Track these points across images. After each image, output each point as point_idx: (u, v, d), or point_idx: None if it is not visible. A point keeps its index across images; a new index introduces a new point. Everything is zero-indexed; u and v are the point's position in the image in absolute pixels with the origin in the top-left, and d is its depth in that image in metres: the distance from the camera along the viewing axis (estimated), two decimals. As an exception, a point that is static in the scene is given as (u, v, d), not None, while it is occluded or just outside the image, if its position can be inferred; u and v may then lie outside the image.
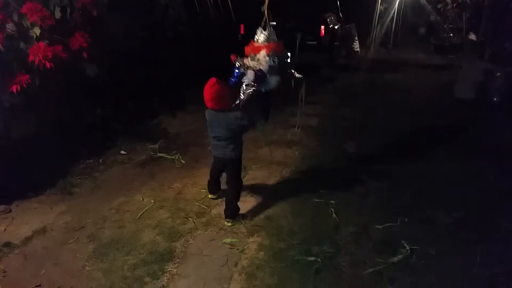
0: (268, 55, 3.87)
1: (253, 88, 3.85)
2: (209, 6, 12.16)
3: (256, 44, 4.01)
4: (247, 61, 3.92)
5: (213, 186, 4.36)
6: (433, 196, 4.43)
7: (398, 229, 3.85)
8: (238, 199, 4.03)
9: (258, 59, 3.89)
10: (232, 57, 3.93)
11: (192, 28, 10.46)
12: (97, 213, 4.09)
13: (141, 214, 4.08)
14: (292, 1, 10.44)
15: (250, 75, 3.83)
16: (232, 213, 3.96)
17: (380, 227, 3.88)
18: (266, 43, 3.96)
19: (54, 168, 4.84)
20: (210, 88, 3.56)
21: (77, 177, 4.83)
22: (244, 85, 3.88)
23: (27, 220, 3.96)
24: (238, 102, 3.85)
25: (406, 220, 3.96)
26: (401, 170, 4.99)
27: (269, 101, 4.11)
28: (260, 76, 3.81)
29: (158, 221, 3.97)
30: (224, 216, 3.97)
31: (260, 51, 3.91)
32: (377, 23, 13.67)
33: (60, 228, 3.85)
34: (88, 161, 5.22)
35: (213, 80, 3.59)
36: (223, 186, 4.32)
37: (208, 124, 3.84)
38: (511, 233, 3.80)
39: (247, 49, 3.99)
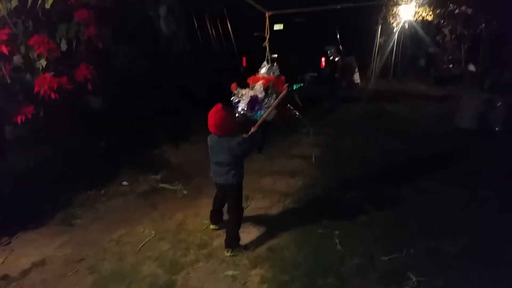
0: (264, 87, 4.00)
1: (247, 114, 3.96)
2: (212, 39, 12.47)
3: (257, 76, 4.18)
4: (245, 91, 4.05)
5: (216, 216, 4.31)
6: (438, 224, 4.36)
7: (404, 260, 3.76)
8: (238, 228, 3.96)
9: (255, 89, 4.02)
10: (232, 86, 4.07)
11: (196, 60, 10.65)
12: (98, 244, 4.04)
13: (141, 246, 4.03)
14: (292, 34, 10.68)
15: (243, 102, 3.96)
16: (232, 242, 3.90)
17: (386, 258, 3.79)
18: (266, 75, 4.13)
19: (55, 199, 4.84)
20: (215, 114, 3.57)
21: (78, 208, 4.80)
22: (238, 111, 3.99)
23: (26, 252, 3.91)
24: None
25: (411, 250, 3.88)
26: (404, 199, 4.95)
27: (264, 130, 4.05)
28: (252, 104, 3.92)
29: (159, 253, 3.91)
30: (224, 245, 3.92)
31: (257, 82, 4.06)
32: (377, 55, 13.91)
33: (59, 260, 3.79)
34: (89, 192, 5.20)
35: (219, 105, 3.61)
36: (226, 217, 4.24)
37: (209, 150, 3.83)
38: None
39: (248, 80, 4.15)
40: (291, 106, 4.34)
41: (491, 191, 5.06)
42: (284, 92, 3.95)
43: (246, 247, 3.96)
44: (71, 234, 4.25)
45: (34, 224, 4.37)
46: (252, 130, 3.77)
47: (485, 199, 4.90)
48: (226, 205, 4.16)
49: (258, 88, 4.01)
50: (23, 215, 4.39)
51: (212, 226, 4.34)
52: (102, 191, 5.25)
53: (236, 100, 4.05)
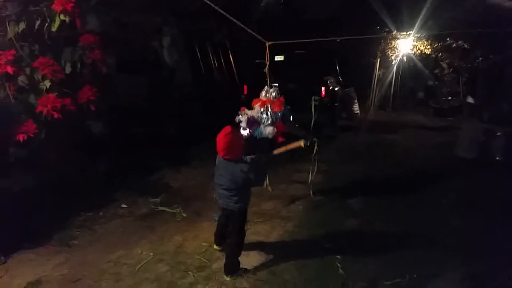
0: (261, 108, 4.43)
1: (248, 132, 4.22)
2: (214, 69, 12.69)
3: (258, 99, 4.60)
4: (249, 112, 4.36)
5: (220, 237, 4.24)
6: (441, 251, 4.29)
7: (407, 285, 3.70)
8: (239, 254, 3.87)
9: (254, 110, 4.44)
10: (242, 108, 4.35)
11: (198, 88, 10.81)
12: (95, 265, 3.96)
13: (139, 267, 3.95)
14: (293, 65, 10.87)
15: (244, 119, 4.18)
16: (232, 268, 3.82)
17: (389, 283, 3.72)
18: (264, 98, 4.56)
19: (53, 220, 4.80)
20: (224, 137, 3.54)
21: (76, 230, 4.74)
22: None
23: (22, 271, 3.83)
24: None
25: (415, 275, 3.81)
26: (406, 225, 4.91)
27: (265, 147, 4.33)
28: (251, 122, 4.21)
29: (156, 275, 3.83)
30: (224, 270, 3.83)
31: (257, 103, 4.54)
32: (376, 87, 14.11)
33: (56, 280, 3.71)
34: (88, 214, 5.15)
35: (228, 128, 3.58)
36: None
37: (215, 170, 3.81)
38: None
39: (253, 103, 4.57)
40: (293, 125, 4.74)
41: (494, 220, 5.03)
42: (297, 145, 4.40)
43: (246, 270, 3.88)
44: (68, 254, 4.18)
45: (31, 244, 4.31)
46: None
47: (487, 227, 4.85)
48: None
49: (256, 109, 4.38)
50: (20, 235, 4.33)
51: (216, 247, 4.30)
52: (101, 213, 5.20)
53: (239, 120, 4.23)
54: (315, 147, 5.12)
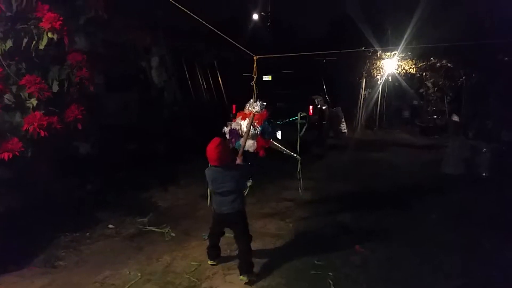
0: (242, 120, 4.64)
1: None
2: (202, 88, 12.75)
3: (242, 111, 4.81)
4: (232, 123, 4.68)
5: (213, 252, 4.27)
6: (431, 265, 4.28)
7: (400, 301, 3.66)
8: (251, 254, 3.99)
9: (237, 122, 4.72)
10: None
11: (187, 108, 10.82)
12: (81, 287, 3.84)
13: (127, 288, 3.84)
14: (280, 84, 10.99)
15: (226, 130, 4.59)
16: (248, 268, 3.92)
17: (381, 299, 3.68)
18: (247, 111, 4.70)
19: (38, 241, 4.67)
20: (215, 148, 3.78)
21: (61, 251, 4.61)
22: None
23: (4, 294, 3.70)
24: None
25: (406, 291, 3.78)
26: (396, 241, 4.91)
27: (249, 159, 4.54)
28: (232, 133, 4.56)
29: (145, 295, 3.73)
30: (239, 272, 3.91)
31: (239, 116, 4.76)
32: (362, 106, 14.32)
33: (39, 303, 3.59)
34: (74, 234, 5.03)
35: (217, 140, 3.85)
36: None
37: (211, 182, 3.95)
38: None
39: (237, 115, 4.79)
40: (276, 142, 4.85)
41: (481, 233, 5.06)
42: (251, 117, 4.45)
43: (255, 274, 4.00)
44: (53, 276, 4.04)
45: (15, 267, 4.15)
46: (238, 158, 4.18)
47: (476, 241, 4.88)
48: (221, 240, 4.29)
49: (238, 121, 4.59)
50: (4, 256, 4.18)
51: (210, 262, 4.26)
52: (87, 234, 5.08)
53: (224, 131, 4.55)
54: (299, 165, 5.20)
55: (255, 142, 4.63)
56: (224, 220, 4.03)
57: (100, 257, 4.54)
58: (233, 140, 4.59)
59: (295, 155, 5.01)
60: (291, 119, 5.29)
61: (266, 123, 4.66)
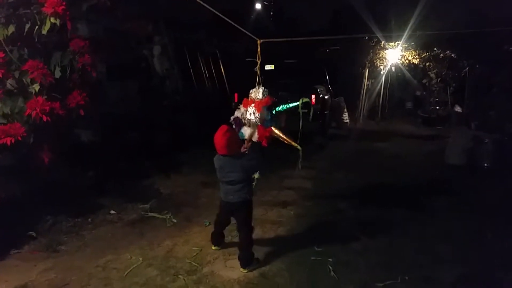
0: (246, 108, 4.47)
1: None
2: (204, 77, 12.72)
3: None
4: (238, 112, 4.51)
5: (218, 238, 4.32)
6: (432, 253, 4.31)
7: (399, 287, 3.68)
8: (252, 245, 4.00)
9: (240, 110, 4.56)
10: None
11: (188, 97, 10.81)
12: (83, 270, 3.87)
13: (128, 272, 3.87)
14: (283, 74, 10.95)
15: (232, 119, 4.46)
16: (248, 260, 3.94)
17: (381, 285, 3.70)
18: (252, 98, 4.51)
19: (40, 226, 4.71)
20: (223, 136, 3.72)
21: (64, 235, 4.65)
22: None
23: (7, 277, 3.72)
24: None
25: (406, 278, 3.80)
26: (397, 229, 4.93)
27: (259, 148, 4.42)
28: (236, 122, 4.43)
29: (146, 279, 3.76)
30: (240, 264, 3.93)
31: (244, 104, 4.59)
32: (365, 96, 14.26)
33: (42, 285, 3.61)
34: (76, 220, 5.06)
35: (224, 127, 3.79)
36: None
37: (219, 170, 3.91)
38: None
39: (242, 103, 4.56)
40: (280, 131, 4.63)
41: (482, 222, 5.09)
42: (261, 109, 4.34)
43: (258, 260, 4.03)
44: (55, 260, 4.08)
45: (17, 250, 4.21)
46: (243, 147, 3.99)
47: (476, 230, 4.91)
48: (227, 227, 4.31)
49: (241, 110, 4.45)
50: (6, 241, 4.23)
51: (214, 247, 4.32)
52: (89, 219, 5.11)
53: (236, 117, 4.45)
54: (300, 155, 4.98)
55: (255, 131, 4.47)
56: (230, 209, 4.02)
57: (102, 242, 4.57)
58: (238, 128, 4.47)
59: (295, 145, 4.86)
60: (291, 105, 5.19)
61: (266, 110, 4.46)
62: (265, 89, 4.50)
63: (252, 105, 4.45)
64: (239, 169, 3.80)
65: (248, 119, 4.46)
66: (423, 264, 4.08)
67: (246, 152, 3.95)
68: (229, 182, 3.85)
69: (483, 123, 9.37)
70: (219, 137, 3.72)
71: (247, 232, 3.97)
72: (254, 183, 4.40)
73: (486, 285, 3.80)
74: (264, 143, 4.55)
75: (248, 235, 3.97)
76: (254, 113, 4.42)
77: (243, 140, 4.33)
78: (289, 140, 4.73)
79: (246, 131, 4.45)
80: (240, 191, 3.85)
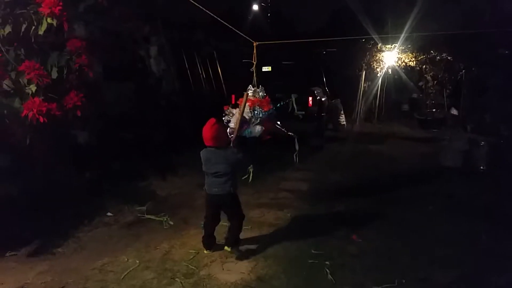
0: (250, 108, 4.41)
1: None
2: (201, 78, 12.70)
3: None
4: (235, 110, 4.45)
5: (209, 241, 4.33)
6: (428, 256, 4.31)
7: (396, 290, 3.69)
8: (241, 230, 4.29)
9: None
10: (225, 107, 4.49)
11: (185, 97, 10.79)
12: (79, 273, 3.86)
13: (125, 275, 3.86)
14: (280, 75, 10.97)
15: (233, 120, 4.38)
16: (235, 241, 4.24)
17: (378, 288, 3.71)
18: (252, 98, 4.51)
19: (36, 228, 4.67)
20: (211, 128, 3.91)
21: (60, 238, 4.62)
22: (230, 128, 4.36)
23: (3, 280, 3.70)
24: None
25: (403, 280, 3.80)
26: (393, 232, 4.94)
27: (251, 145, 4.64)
28: (242, 122, 4.26)
29: (143, 282, 3.75)
30: (225, 243, 4.27)
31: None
32: (362, 98, 14.28)
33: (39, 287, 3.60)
34: (72, 222, 5.04)
35: (213, 120, 3.97)
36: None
37: (205, 163, 4.05)
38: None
39: (238, 101, 4.51)
40: (279, 124, 4.76)
41: (477, 225, 5.10)
42: (245, 99, 4.23)
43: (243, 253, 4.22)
44: (51, 262, 4.07)
45: (13, 253, 4.19)
46: (232, 141, 4.11)
47: (472, 232, 4.92)
48: (218, 229, 4.32)
49: (246, 110, 4.33)
50: (2, 243, 4.20)
51: (206, 251, 4.31)
52: (86, 221, 5.09)
53: (227, 120, 4.40)
54: (296, 144, 4.98)
55: (263, 127, 4.54)
56: (216, 201, 4.13)
57: (98, 244, 4.56)
58: (244, 127, 4.45)
59: (291, 134, 4.86)
60: (283, 103, 5.21)
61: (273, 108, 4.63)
62: (263, 88, 4.60)
63: (257, 103, 4.48)
64: (224, 161, 3.94)
65: (255, 117, 4.47)
66: (419, 267, 4.08)
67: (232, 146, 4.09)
68: (214, 174, 3.98)
69: (478, 126, 9.40)
70: (207, 129, 3.91)
71: (239, 219, 4.22)
72: (250, 176, 4.63)
73: (481, 286, 3.81)
74: (267, 138, 4.71)
75: (239, 222, 4.22)
76: (258, 111, 4.47)
77: (245, 139, 4.45)
78: (285, 131, 4.83)
79: (254, 129, 4.49)
80: (225, 183, 3.98)
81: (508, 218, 5.28)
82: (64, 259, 4.17)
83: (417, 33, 10.28)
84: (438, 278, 3.88)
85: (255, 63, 4.75)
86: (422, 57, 12.78)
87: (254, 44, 4.71)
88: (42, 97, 4.38)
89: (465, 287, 3.76)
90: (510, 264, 4.15)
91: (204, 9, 4.27)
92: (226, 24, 4.70)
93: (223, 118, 4.43)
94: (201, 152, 4.07)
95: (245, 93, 4.42)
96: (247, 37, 4.84)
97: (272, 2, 21.74)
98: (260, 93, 4.58)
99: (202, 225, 4.90)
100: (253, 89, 4.59)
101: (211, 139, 3.92)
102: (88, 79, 5.10)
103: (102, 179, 6.22)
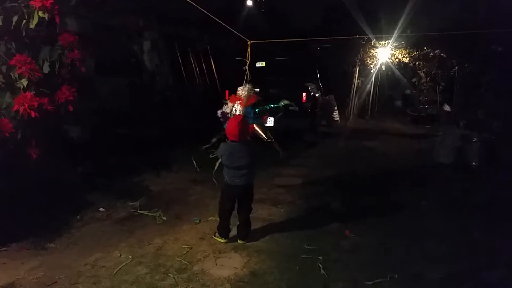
0: (233, 104, 4.69)
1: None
2: (195, 74, 12.65)
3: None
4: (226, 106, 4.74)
5: (227, 229, 4.48)
6: (421, 251, 4.34)
7: (389, 285, 3.70)
8: (251, 224, 4.57)
9: (228, 106, 4.75)
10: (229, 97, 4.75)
11: (179, 93, 10.75)
12: (72, 268, 3.83)
13: (118, 270, 3.83)
14: (274, 71, 10.92)
15: (219, 113, 4.65)
16: (247, 234, 4.49)
17: (370, 283, 3.72)
18: (240, 95, 4.71)
19: (28, 223, 4.63)
20: (238, 125, 4.11)
21: (52, 233, 4.58)
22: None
23: (-6, 275, 3.67)
24: None
25: (396, 275, 3.82)
26: (386, 227, 4.96)
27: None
28: (224, 116, 4.61)
29: (135, 277, 3.73)
30: (239, 237, 4.45)
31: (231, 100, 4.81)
32: (355, 95, 14.32)
33: (30, 283, 3.56)
34: (65, 217, 5.00)
35: (239, 116, 4.24)
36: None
37: (227, 157, 4.23)
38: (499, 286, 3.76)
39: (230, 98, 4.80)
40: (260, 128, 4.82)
41: (470, 221, 5.14)
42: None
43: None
44: (43, 257, 4.03)
45: (4, 248, 4.14)
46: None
47: (465, 228, 4.96)
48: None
49: (229, 105, 4.69)
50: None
51: (223, 241, 4.44)
52: (78, 217, 5.05)
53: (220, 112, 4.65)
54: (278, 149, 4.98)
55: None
56: (237, 192, 4.34)
57: (91, 240, 4.53)
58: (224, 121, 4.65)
59: (269, 140, 4.84)
60: (273, 105, 5.17)
61: (250, 108, 4.63)
62: (251, 88, 4.63)
63: (238, 101, 4.64)
64: (248, 154, 4.21)
65: (234, 114, 4.64)
66: (411, 262, 4.10)
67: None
68: (236, 167, 4.21)
69: (471, 122, 9.46)
70: (234, 125, 4.10)
71: (249, 212, 4.47)
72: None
73: (474, 283, 3.82)
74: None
75: (248, 214, 4.47)
76: (239, 109, 4.62)
77: None
78: (263, 135, 4.82)
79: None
80: (246, 175, 4.26)
81: (500, 214, 5.34)
82: (57, 254, 4.14)
83: (409, 34, 10.31)
84: (430, 273, 3.90)
85: (248, 61, 4.78)
86: (415, 53, 12.81)
87: (249, 43, 4.74)
88: (34, 92, 4.35)
89: (458, 283, 3.79)
90: (503, 259, 4.18)
91: (198, 7, 4.25)
92: (221, 22, 4.71)
93: (223, 108, 4.65)
94: (221, 144, 4.30)
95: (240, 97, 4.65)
96: (241, 36, 4.85)
97: (266, -2, 21.65)
98: (244, 92, 4.65)
99: (196, 220, 4.94)
100: (241, 88, 4.71)
101: (236, 136, 4.11)
102: (80, 73, 5.07)
103: (95, 174, 6.18)
